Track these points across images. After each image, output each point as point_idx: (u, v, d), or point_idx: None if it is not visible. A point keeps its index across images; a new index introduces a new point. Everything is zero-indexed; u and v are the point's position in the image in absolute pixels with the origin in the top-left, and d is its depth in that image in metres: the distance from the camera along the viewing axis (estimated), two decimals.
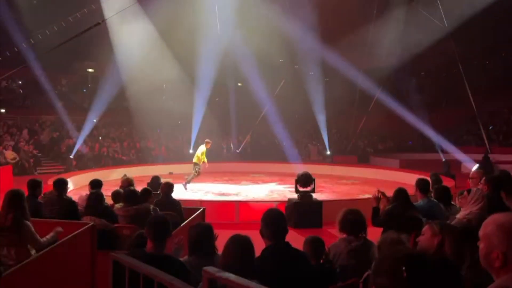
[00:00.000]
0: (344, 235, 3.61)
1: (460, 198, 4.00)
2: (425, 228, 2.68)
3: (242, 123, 22.91)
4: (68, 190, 6.02)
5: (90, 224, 4.40)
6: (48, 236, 4.08)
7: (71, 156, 17.97)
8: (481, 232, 1.70)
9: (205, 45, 19.14)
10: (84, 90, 25.78)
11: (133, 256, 2.63)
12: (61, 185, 5.62)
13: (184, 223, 5.36)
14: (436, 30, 18.33)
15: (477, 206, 3.68)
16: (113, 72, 19.50)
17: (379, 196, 5.01)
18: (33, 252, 3.91)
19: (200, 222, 3.80)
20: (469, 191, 3.90)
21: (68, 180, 6.59)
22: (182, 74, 20.47)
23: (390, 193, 5.06)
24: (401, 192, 4.78)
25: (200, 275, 2.02)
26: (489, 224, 1.68)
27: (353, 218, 3.61)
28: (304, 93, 22.17)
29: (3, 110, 21.10)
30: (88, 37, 16.13)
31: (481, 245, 1.69)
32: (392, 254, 1.54)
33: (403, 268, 1.46)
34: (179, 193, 11.72)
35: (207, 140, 13.07)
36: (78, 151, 18.53)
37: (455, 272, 2.27)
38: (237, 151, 22.10)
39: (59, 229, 4.22)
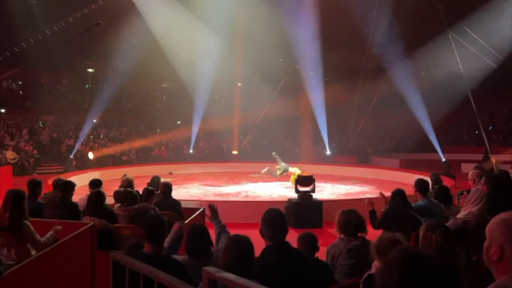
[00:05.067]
0: (343, 236, 3.62)
1: (460, 198, 3.99)
2: (421, 228, 2.67)
3: (242, 123, 22.88)
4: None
5: (90, 224, 4.40)
6: (47, 235, 4.05)
7: (71, 156, 17.96)
8: (486, 228, 1.71)
9: (205, 45, 19.12)
10: (87, 85, 25.70)
11: (131, 256, 2.63)
12: (67, 187, 5.32)
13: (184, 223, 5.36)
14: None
15: (477, 207, 3.67)
16: (113, 72, 19.49)
17: (372, 200, 5.00)
18: (33, 252, 3.90)
19: (194, 223, 3.79)
20: (469, 191, 3.89)
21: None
22: (182, 74, 20.45)
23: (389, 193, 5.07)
24: (398, 193, 4.79)
25: (197, 275, 2.02)
26: (494, 220, 1.70)
27: (350, 219, 3.61)
28: (304, 93, 22.13)
29: (3, 110, 21.09)
30: (88, 37, 16.10)
31: (486, 241, 1.70)
32: (396, 258, 1.48)
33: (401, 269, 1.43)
34: (179, 193, 11.75)
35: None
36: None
37: (453, 273, 2.25)
38: (237, 151, 22.06)
39: (58, 227, 4.21)
